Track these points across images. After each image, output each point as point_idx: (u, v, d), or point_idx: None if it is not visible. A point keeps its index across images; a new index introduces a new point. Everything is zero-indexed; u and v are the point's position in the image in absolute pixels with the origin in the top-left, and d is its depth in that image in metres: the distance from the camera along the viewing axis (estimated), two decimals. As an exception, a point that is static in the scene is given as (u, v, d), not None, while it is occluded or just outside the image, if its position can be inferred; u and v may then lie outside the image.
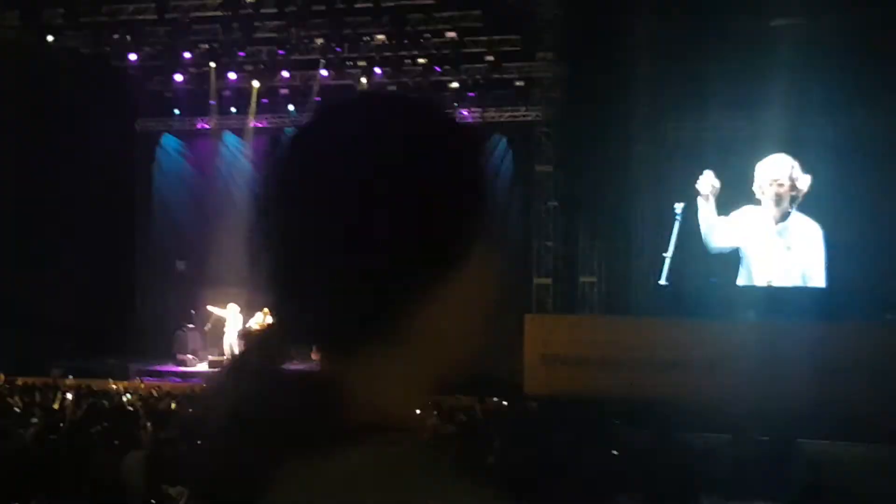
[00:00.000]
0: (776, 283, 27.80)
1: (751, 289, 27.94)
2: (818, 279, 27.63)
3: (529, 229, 30.22)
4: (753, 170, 27.74)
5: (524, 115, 30.96)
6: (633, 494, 13.36)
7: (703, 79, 26.64)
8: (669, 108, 28.54)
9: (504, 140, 31.62)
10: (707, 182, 28.23)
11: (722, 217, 28.26)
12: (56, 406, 19.47)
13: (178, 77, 32.63)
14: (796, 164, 27.50)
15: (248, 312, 29.76)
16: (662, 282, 28.60)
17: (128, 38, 31.06)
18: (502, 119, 31.45)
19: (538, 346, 25.88)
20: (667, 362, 24.16)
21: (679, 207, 28.57)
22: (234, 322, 29.87)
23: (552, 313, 29.15)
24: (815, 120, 26.74)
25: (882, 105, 26.01)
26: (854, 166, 26.32)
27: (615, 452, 15.78)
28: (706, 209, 28.36)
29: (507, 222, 30.77)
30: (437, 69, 30.82)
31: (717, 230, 28.30)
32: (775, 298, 27.13)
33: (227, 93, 33.20)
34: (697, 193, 28.39)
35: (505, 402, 22.34)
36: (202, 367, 29.68)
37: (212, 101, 33.40)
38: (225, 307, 29.85)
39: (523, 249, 30.52)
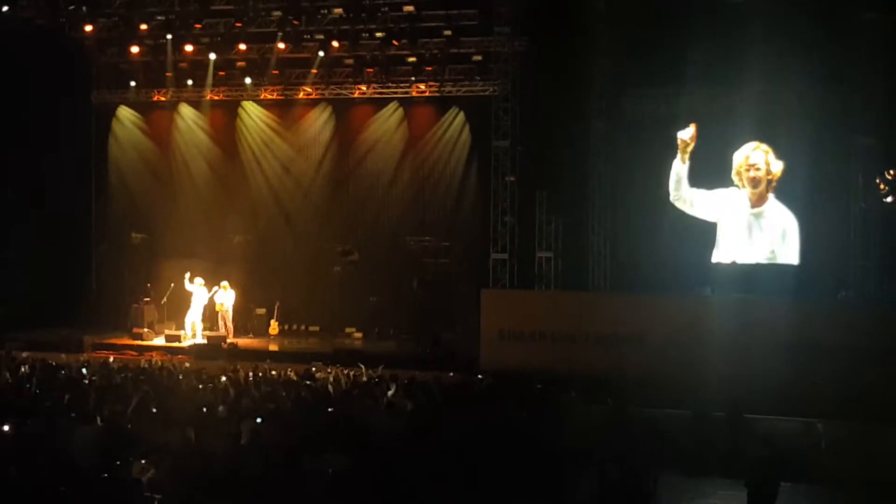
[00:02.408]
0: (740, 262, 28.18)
1: (715, 266, 28.20)
2: (786, 261, 27.99)
3: (487, 204, 30.20)
4: (728, 157, 28.13)
5: (481, 90, 30.87)
6: (589, 470, 13.46)
7: (664, 55, 26.80)
8: (628, 85, 28.62)
9: (461, 114, 31.61)
10: (688, 132, 28.31)
11: (703, 190, 28.44)
12: (10, 379, 19.36)
13: (135, 49, 32.31)
14: (770, 150, 27.85)
15: (208, 286, 29.80)
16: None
17: (83, 8, 30.75)
18: (459, 93, 31.39)
19: (495, 321, 25.90)
20: (623, 338, 24.27)
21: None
22: (200, 298, 29.81)
23: (509, 288, 29.17)
24: (785, 103, 27.23)
25: (846, 82, 26.45)
26: (824, 148, 26.95)
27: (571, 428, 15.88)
28: (678, 166, 28.51)
29: (464, 197, 30.96)
30: (395, 43, 30.69)
31: (686, 192, 28.55)
32: (741, 275, 27.46)
33: (183, 65, 32.94)
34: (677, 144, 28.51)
35: (467, 376, 22.36)
36: (158, 340, 29.57)
37: (168, 73, 33.14)
38: (192, 281, 29.78)
39: (480, 224, 30.56)
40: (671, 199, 28.58)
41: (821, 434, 18.40)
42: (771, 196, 27.92)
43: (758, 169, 27.87)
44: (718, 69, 26.65)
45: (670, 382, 20.96)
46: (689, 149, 28.19)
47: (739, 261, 28.06)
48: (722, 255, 28.36)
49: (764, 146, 27.83)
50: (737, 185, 28.17)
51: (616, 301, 26.55)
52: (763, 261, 28.01)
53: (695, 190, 28.47)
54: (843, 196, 27.27)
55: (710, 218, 28.43)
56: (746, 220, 28.12)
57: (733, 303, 24.83)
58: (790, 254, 27.91)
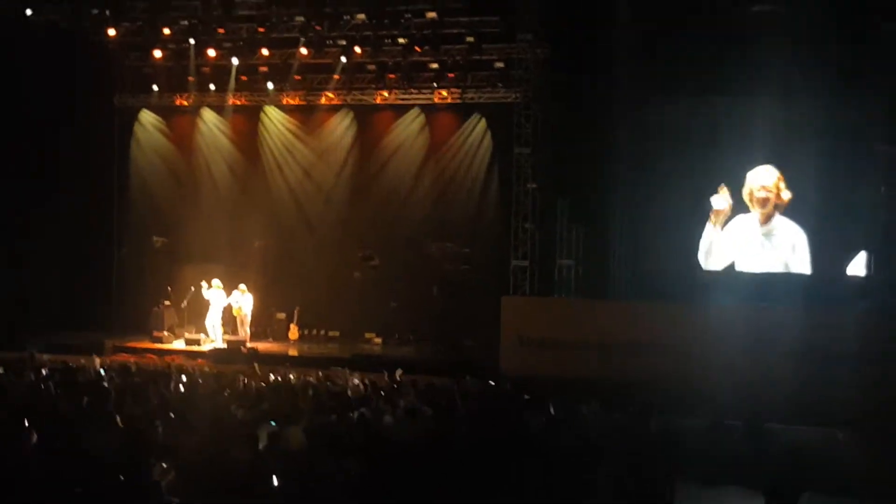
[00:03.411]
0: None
1: (732, 274, 28.32)
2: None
3: (508, 211, 30.21)
4: (741, 177, 28.47)
5: (503, 97, 30.92)
6: (606, 479, 13.39)
7: (687, 64, 26.77)
8: (651, 93, 28.55)
9: (483, 121, 31.62)
10: (723, 200, 28.64)
11: (722, 236, 28.88)
12: (32, 382, 19.39)
13: (158, 53, 32.44)
14: (781, 176, 28.15)
15: (227, 290, 29.85)
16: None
17: (107, 12, 30.87)
18: (481, 100, 31.45)
19: (515, 328, 25.93)
20: (643, 346, 24.23)
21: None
22: (218, 300, 29.85)
23: (529, 295, 29.17)
24: (807, 112, 27.25)
25: (869, 91, 26.38)
26: (846, 157, 26.96)
27: (590, 436, 15.79)
28: (711, 233, 28.85)
29: (485, 203, 30.94)
30: (417, 49, 30.71)
31: (715, 252, 28.83)
32: (754, 284, 27.61)
33: (206, 69, 33.06)
34: (710, 210, 28.78)
35: (487, 383, 22.31)
36: (178, 344, 29.63)
37: (190, 78, 33.26)
38: (210, 286, 29.86)
39: (501, 231, 30.54)
40: (702, 265, 28.90)
41: (842, 443, 18.33)
42: (777, 214, 28.23)
43: (769, 190, 28.18)
44: (741, 79, 26.60)
45: (690, 391, 20.91)
46: (726, 218, 28.47)
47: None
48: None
49: (775, 170, 28.15)
50: (747, 207, 28.45)
51: (636, 310, 26.49)
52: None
53: (720, 245, 28.86)
54: (866, 206, 27.21)
55: (725, 262, 28.89)
56: (758, 239, 28.44)
57: (753, 312, 24.79)
58: (802, 267, 28.13)
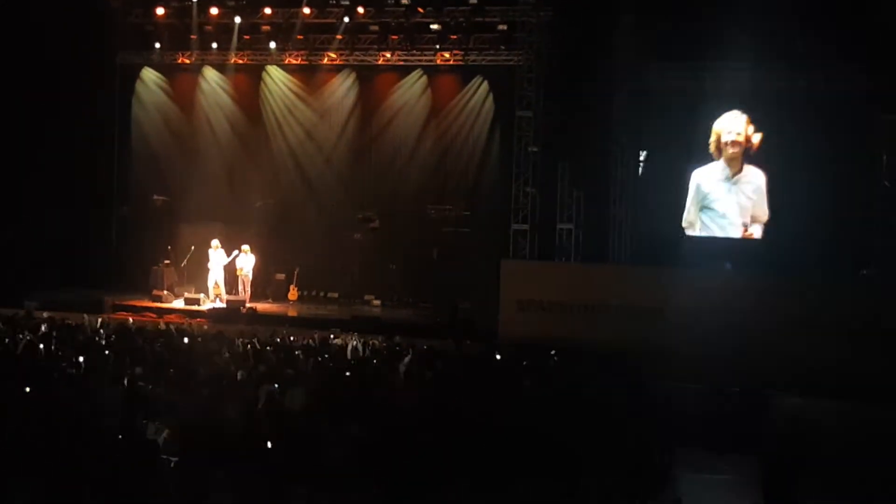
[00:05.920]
0: (734, 235, 28.81)
1: (712, 240, 28.46)
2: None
3: (508, 174, 30.15)
4: (708, 127, 28.64)
5: (506, 60, 30.79)
6: (603, 443, 13.41)
7: (690, 29, 26.69)
8: (654, 58, 28.48)
9: (485, 83, 31.50)
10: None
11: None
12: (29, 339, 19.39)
13: (160, 10, 32.36)
14: (749, 119, 28.35)
15: (227, 250, 29.79)
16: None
17: (110, -32, 30.84)
18: (484, 62, 31.27)
19: (514, 292, 25.88)
20: (642, 311, 24.19)
21: (643, 155, 29.01)
22: (218, 261, 29.78)
23: (529, 259, 29.14)
24: (810, 80, 27.23)
25: (873, 58, 26.32)
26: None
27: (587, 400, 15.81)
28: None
29: (486, 166, 30.86)
30: (420, 10, 30.61)
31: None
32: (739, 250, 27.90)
33: (208, 28, 32.92)
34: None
35: (485, 347, 22.34)
36: (178, 303, 29.63)
37: (193, 36, 33.11)
38: (212, 247, 29.77)
39: (502, 194, 30.50)
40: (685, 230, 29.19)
41: (844, 413, 18.33)
42: (745, 164, 28.54)
43: (738, 135, 28.35)
44: (745, 45, 26.46)
45: (688, 356, 20.91)
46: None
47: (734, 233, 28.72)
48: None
49: (744, 115, 28.35)
50: (711, 156, 28.68)
51: (635, 274, 26.54)
52: (754, 231, 28.52)
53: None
54: (866, 173, 27.22)
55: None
56: (724, 186, 28.85)
57: (752, 278, 24.78)
58: (761, 210, 28.38)
